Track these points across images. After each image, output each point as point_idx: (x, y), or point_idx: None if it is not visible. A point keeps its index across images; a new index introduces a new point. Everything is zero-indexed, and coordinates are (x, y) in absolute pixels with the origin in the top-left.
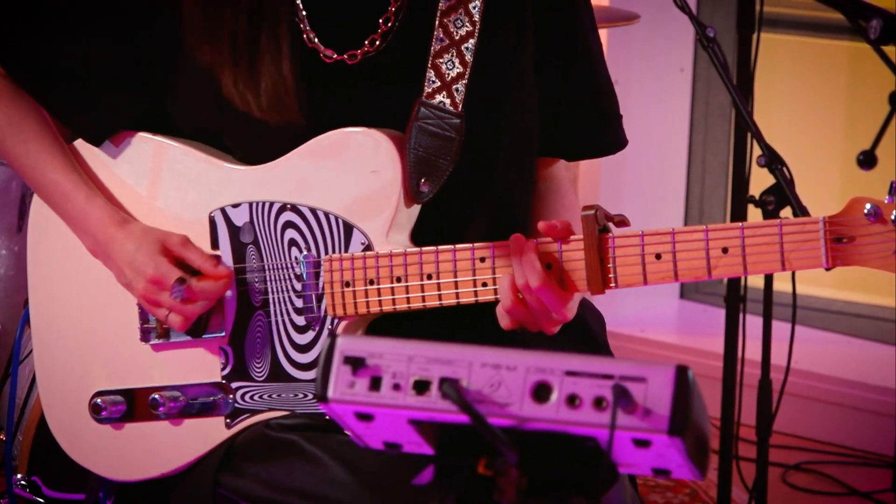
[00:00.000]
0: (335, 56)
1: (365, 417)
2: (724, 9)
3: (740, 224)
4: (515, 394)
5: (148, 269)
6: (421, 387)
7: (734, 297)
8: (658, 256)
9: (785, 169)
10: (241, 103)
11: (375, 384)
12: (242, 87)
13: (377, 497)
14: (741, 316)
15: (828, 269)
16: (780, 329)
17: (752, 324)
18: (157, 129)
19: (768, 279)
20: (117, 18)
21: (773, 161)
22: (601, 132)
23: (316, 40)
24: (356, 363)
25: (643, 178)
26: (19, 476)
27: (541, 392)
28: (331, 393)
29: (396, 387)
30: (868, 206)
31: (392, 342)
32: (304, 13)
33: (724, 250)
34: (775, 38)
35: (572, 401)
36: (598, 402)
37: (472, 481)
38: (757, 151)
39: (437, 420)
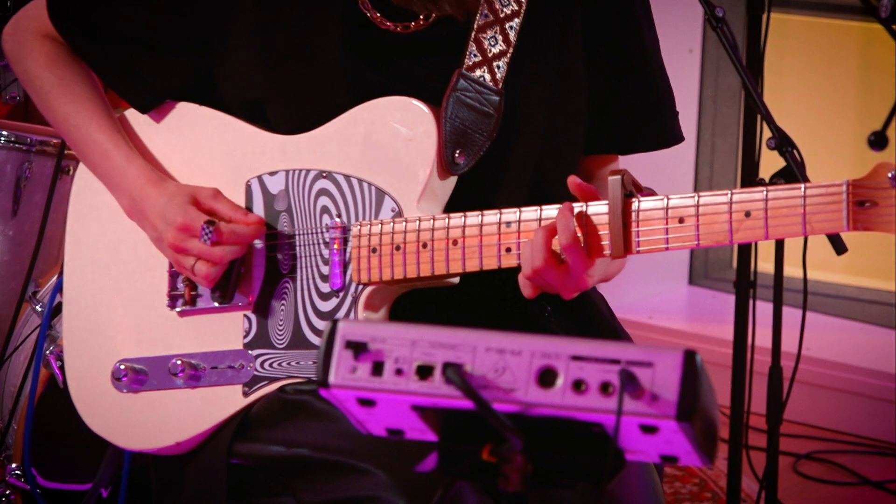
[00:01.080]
0: (390, 25)
1: (367, 403)
2: None
3: (764, 187)
4: (520, 379)
5: (178, 218)
6: (424, 372)
7: (744, 283)
8: (681, 220)
9: (795, 151)
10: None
11: (378, 369)
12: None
13: (392, 448)
14: (751, 302)
15: (846, 236)
16: (790, 315)
17: (763, 310)
18: (202, 102)
19: (779, 263)
20: None
21: (783, 143)
22: (656, 125)
23: (371, 7)
24: (358, 348)
25: (651, 161)
26: (14, 465)
27: (546, 377)
28: (332, 378)
29: (399, 372)
30: (893, 171)
31: (395, 326)
32: None
33: (747, 214)
34: (786, 18)
35: (578, 386)
36: (605, 388)
37: (477, 468)
38: (767, 134)
39: (440, 406)
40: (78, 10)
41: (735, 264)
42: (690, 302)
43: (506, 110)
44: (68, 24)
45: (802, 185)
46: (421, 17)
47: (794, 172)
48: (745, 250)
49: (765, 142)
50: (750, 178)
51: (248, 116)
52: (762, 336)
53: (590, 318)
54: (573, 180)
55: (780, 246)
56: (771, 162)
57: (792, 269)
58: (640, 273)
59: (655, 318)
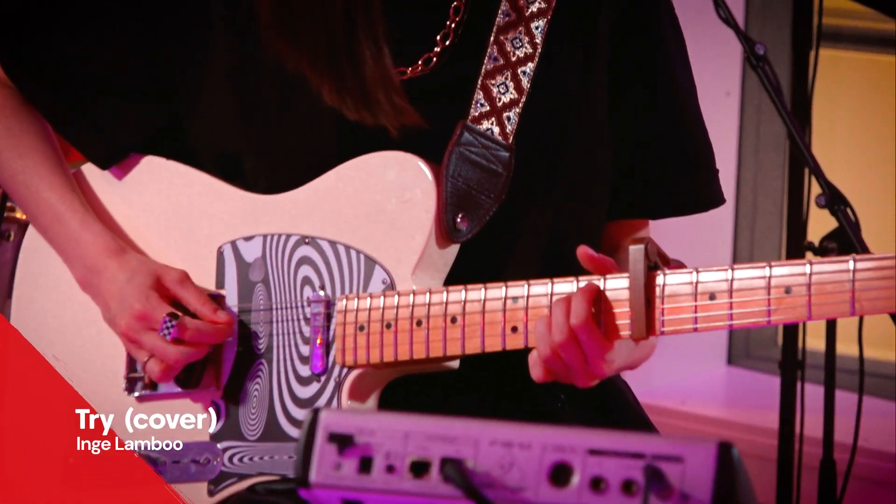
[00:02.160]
0: None
1: None
2: (776, 22)
3: (807, 260)
4: (530, 476)
5: (136, 304)
6: (419, 469)
7: (791, 363)
8: (712, 297)
9: (849, 210)
10: (350, 112)
11: (366, 466)
12: (349, 97)
13: None
14: (799, 385)
15: None
16: (844, 400)
17: (813, 394)
18: (170, 155)
19: (830, 341)
20: (134, 17)
21: (834, 201)
22: (691, 185)
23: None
24: (342, 441)
25: (683, 221)
26: None
27: (560, 474)
28: (313, 476)
29: (390, 469)
30: None
31: (385, 416)
32: None
33: (787, 290)
34: (837, 54)
35: (597, 484)
36: (628, 486)
37: None
38: (816, 189)
39: None
40: (29, 50)
41: (780, 342)
42: (729, 385)
43: (517, 168)
44: (17, 65)
45: (851, 259)
46: (420, 61)
47: (847, 235)
48: (792, 326)
49: (814, 199)
50: (797, 241)
51: (223, 171)
52: (812, 424)
53: (611, 407)
54: (584, 252)
55: (831, 321)
56: (821, 222)
57: (846, 347)
58: (672, 351)
59: (689, 404)
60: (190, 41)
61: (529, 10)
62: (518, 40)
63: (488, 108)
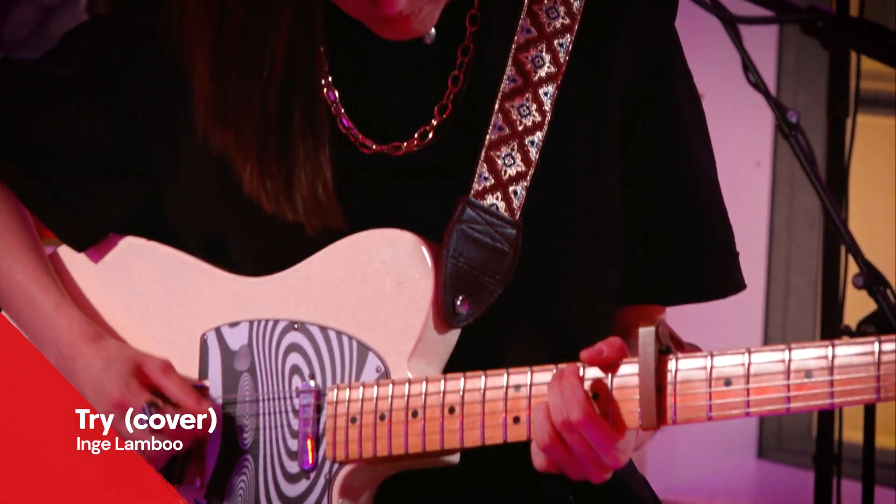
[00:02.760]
0: (375, 147)
1: None
2: (809, 87)
3: (828, 342)
4: None
5: (113, 392)
6: None
7: (826, 457)
8: (728, 383)
9: (889, 291)
10: (268, 204)
11: None
12: (271, 184)
13: None
14: (835, 480)
15: None
16: (884, 497)
17: (850, 491)
18: (148, 235)
19: (869, 432)
20: (107, 92)
21: (873, 281)
22: (708, 268)
23: (351, 126)
24: None
25: (705, 304)
26: None
27: None
28: None
29: None
30: None
31: None
32: (336, 92)
33: (808, 374)
34: (875, 121)
35: None
36: None
37: None
38: (853, 269)
39: None
40: (4, 129)
41: (815, 433)
42: (760, 480)
43: (524, 247)
44: None
45: (876, 341)
46: (416, 135)
47: (886, 318)
48: (828, 416)
49: (850, 279)
50: (832, 325)
51: (207, 251)
52: None
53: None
54: (586, 353)
55: (870, 411)
56: (859, 304)
57: (886, 439)
58: (697, 443)
59: (716, 502)
60: (166, 115)
61: (537, 76)
62: (525, 108)
63: (493, 181)
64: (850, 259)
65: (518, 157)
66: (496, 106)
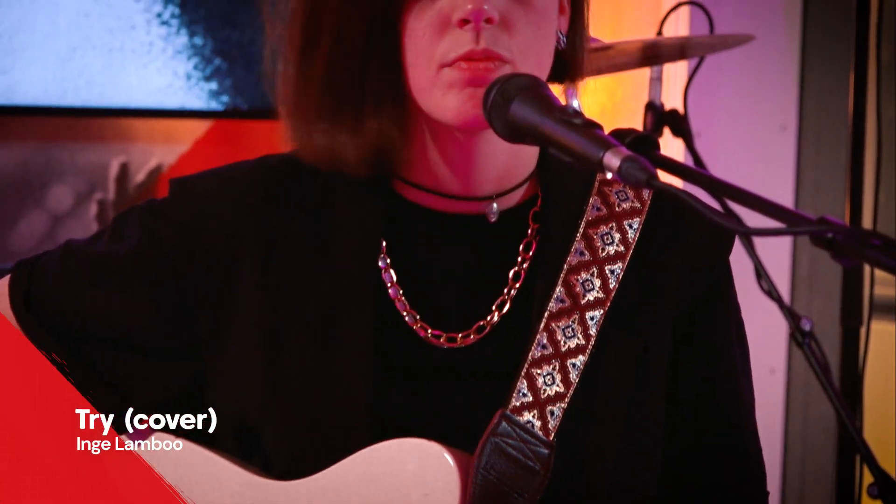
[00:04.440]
0: (432, 335)
1: None
2: (823, 294)
3: None
4: None
5: None
6: None
7: None
8: None
9: None
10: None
11: None
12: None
13: None
14: None
15: None
16: None
17: None
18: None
19: None
20: (157, 274)
21: (888, 491)
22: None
23: (408, 309)
24: None
25: None
26: None
27: None
28: None
29: None
30: None
31: None
32: (394, 276)
33: None
34: (890, 328)
35: None
36: None
37: None
38: (868, 478)
39: None
40: (48, 306)
41: None
42: None
43: (556, 467)
44: (35, 318)
45: None
46: (472, 329)
47: None
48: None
49: (865, 488)
50: None
51: (240, 442)
52: None
53: None
54: None
55: None
56: None
57: None
58: None
59: None
60: (215, 300)
61: (586, 299)
62: (570, 329)
63: (531, 398)
64: (865, 468)
65: (558, 377)
66: (541, 325)
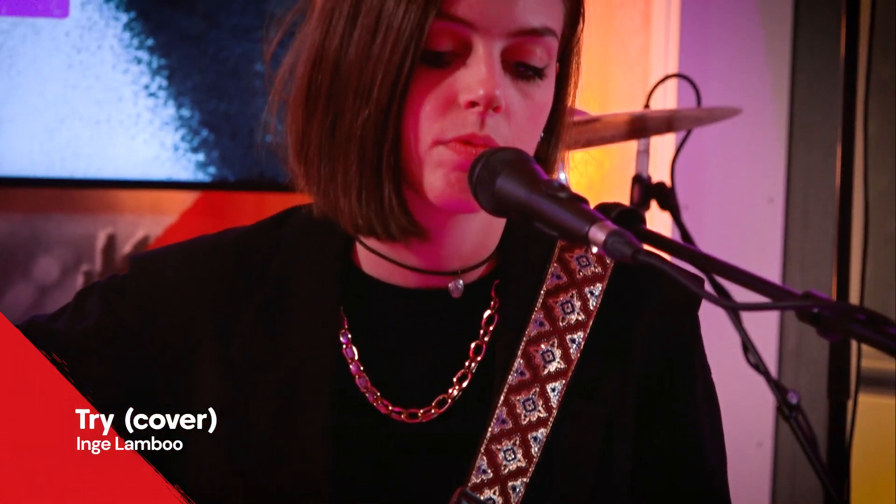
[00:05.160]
0: (392, 410)
1: None
2: (810, 367)
3: None
4: None
5: None
6: None
7: None
8: None
9: None
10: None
11: None
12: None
13: None
14: None
15: None
16: None
17: None
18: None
19: None
20: (117, 350)
21: None
22: None
23: (369, 385)
24: None
25: None
26: None
27: None
28: None
29: None
30: None
31: None
32: (355, 352)
33: None
34: (878, 401)
35: None
36: None
37: None
38: None
39: None
40: None
41: None
42: None
43: None
44: None
45: None
46: (433, 404)
47: None
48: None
49: None
50: None
51: None
52: None
53: None
54: None
55: None
56: None
57: None
58: None
59: None
60: (177, 377)
61: (546, 371)
62: (531, 402)
63: (491, 475)
64: None
65: (519, 452)
66: (501, 399)
